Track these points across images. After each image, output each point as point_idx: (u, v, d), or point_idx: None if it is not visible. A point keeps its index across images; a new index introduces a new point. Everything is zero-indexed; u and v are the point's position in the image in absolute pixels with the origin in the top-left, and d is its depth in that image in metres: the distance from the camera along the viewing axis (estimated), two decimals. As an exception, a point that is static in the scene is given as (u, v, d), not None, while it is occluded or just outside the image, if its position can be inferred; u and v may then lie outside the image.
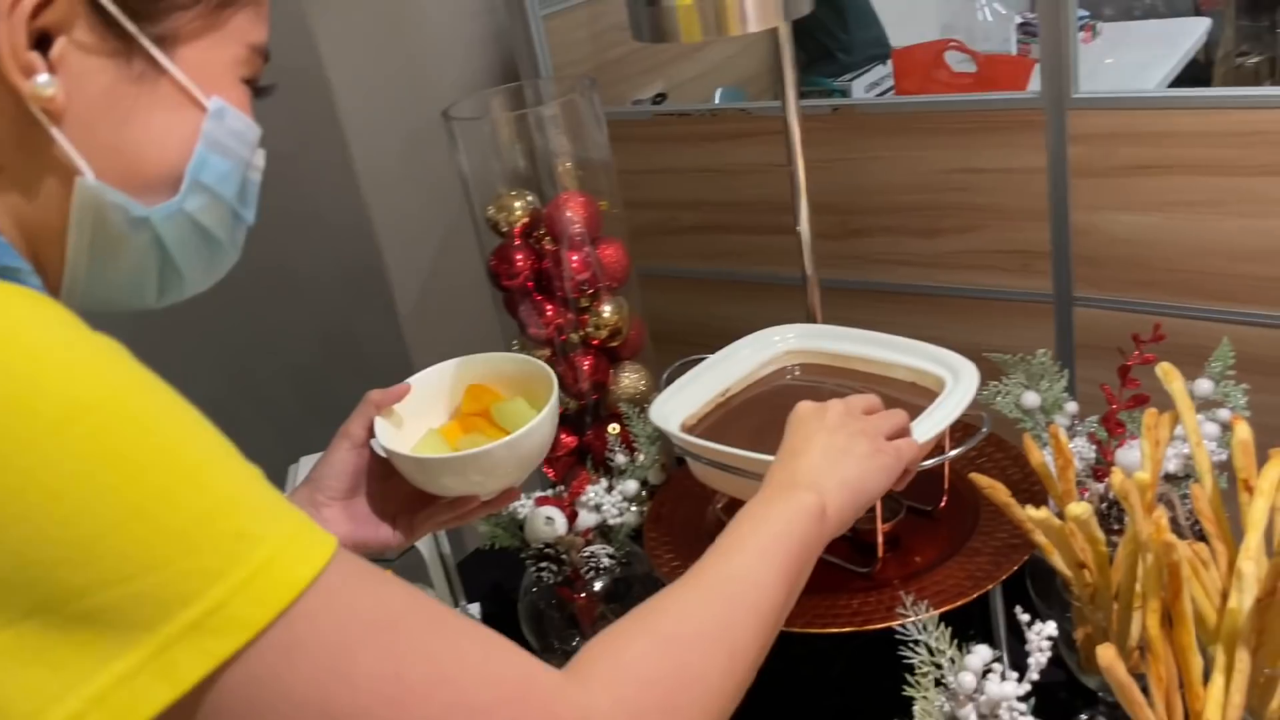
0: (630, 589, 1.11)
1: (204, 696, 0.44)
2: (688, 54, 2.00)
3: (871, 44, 2.25)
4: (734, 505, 1.07)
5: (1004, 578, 0.91)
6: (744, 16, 1.03)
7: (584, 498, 1.08)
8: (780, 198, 1.22)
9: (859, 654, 1.02)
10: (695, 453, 0.97)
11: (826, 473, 0.74)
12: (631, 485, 1.11)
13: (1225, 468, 0.89)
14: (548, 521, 1.06)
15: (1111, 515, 0.94)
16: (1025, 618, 0.78)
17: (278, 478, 1.15)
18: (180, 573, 0.44)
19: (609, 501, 1.09)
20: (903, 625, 0.79)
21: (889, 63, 2.16)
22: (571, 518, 1.07)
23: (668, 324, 1.62)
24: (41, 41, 0.50)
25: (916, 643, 0.78)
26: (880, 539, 0.97)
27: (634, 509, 1.11)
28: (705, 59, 2.04)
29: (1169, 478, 0.94)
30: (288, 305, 1.72)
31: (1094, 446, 1.00)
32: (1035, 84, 1.39)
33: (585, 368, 1.26)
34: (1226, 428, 0.96)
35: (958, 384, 0.96)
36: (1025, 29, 2.24)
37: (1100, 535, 0.80)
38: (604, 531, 1.10)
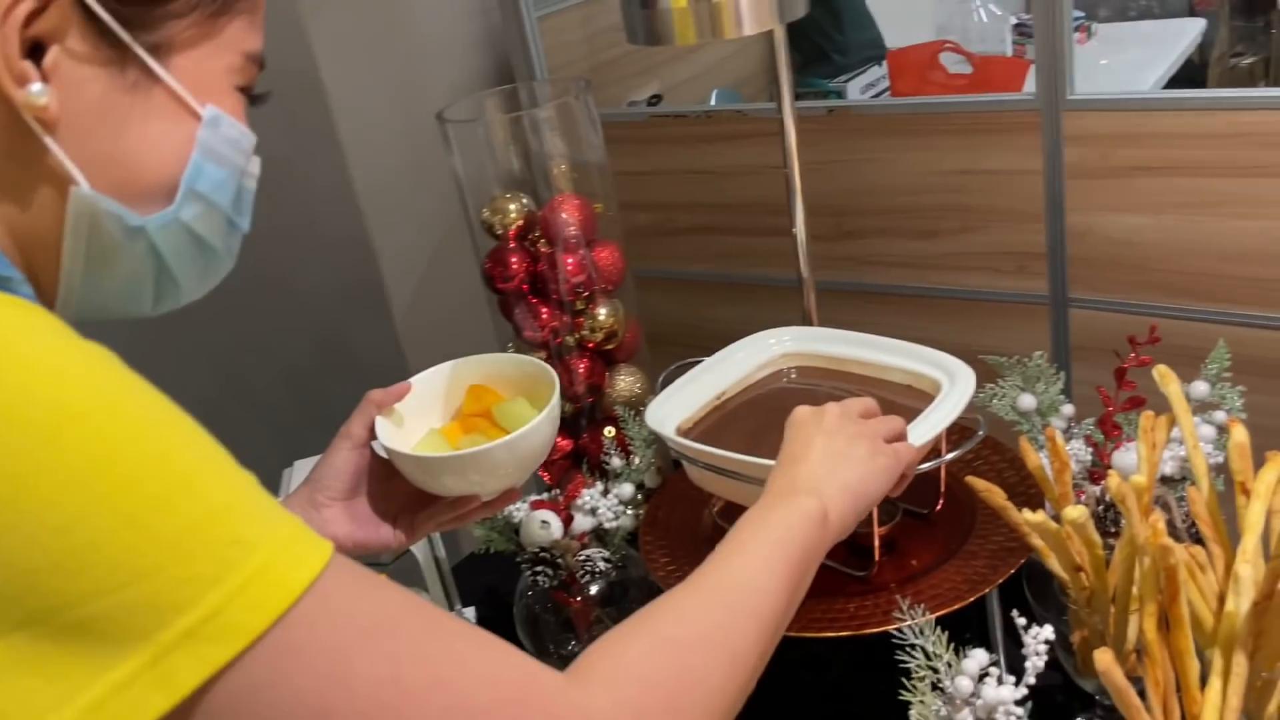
0: (626, 593, 1.11)
1: (201, 704, 0.44)
2: (683, 55, 2.00)
3: (867, 45, 2.24)
4: (730, 509, 1.07)
5: (1001, 581, 0.91)
6: (739, 19, 1.02)
7: (579, 501, 1.08)
8: (776, 199, 1.22)
9: (855, 658, 1.02)
10: (691, 456, 0.97)
11: (827, 478, 0.74)
12: (627, 489, 1.11)
13: (1222, 470, 0.89)
14: (543, 525, 1.05)
15: (1108, 518, 0.94)
16: (1022, 621, 0.77)
17: (272, 482, 1.14)
18: (175, 580, 0.43)
19: (605, 505, 1.09)
20: (899, 629, 0.79)
21: (884, 64, 2.15)
22: (567, 521, 1.07)
23: (663, 325, 1.62)
24: (34, 50, 0.50)
25: (913, 647, 0.77)
26: (877, 542, 0.97)
27: (630, 512, 1.11)
28: (700, 60, 2.03)
29: (1165, 480, 0.94)
30: (282, 308, 1.71)
31: (1090, 449, 1.00)
32: (1030, 85, 1.39)
33: (581, 371, 1.26)
34: (1223, 430, 0.96)
35: (954, 387, 0.96)
36: (1020, 30, 2.24)
37: (1097, 539, 0.80)
38: (600, 535, 1.10)
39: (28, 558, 0.41)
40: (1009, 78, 2.00)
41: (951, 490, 1.03)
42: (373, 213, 1.66)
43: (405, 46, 1.69)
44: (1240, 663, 0.69)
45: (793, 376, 1.10)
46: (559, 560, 1.07)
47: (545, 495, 1.10)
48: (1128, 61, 2.22)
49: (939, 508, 1.03)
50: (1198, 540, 0.79)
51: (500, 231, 1.25)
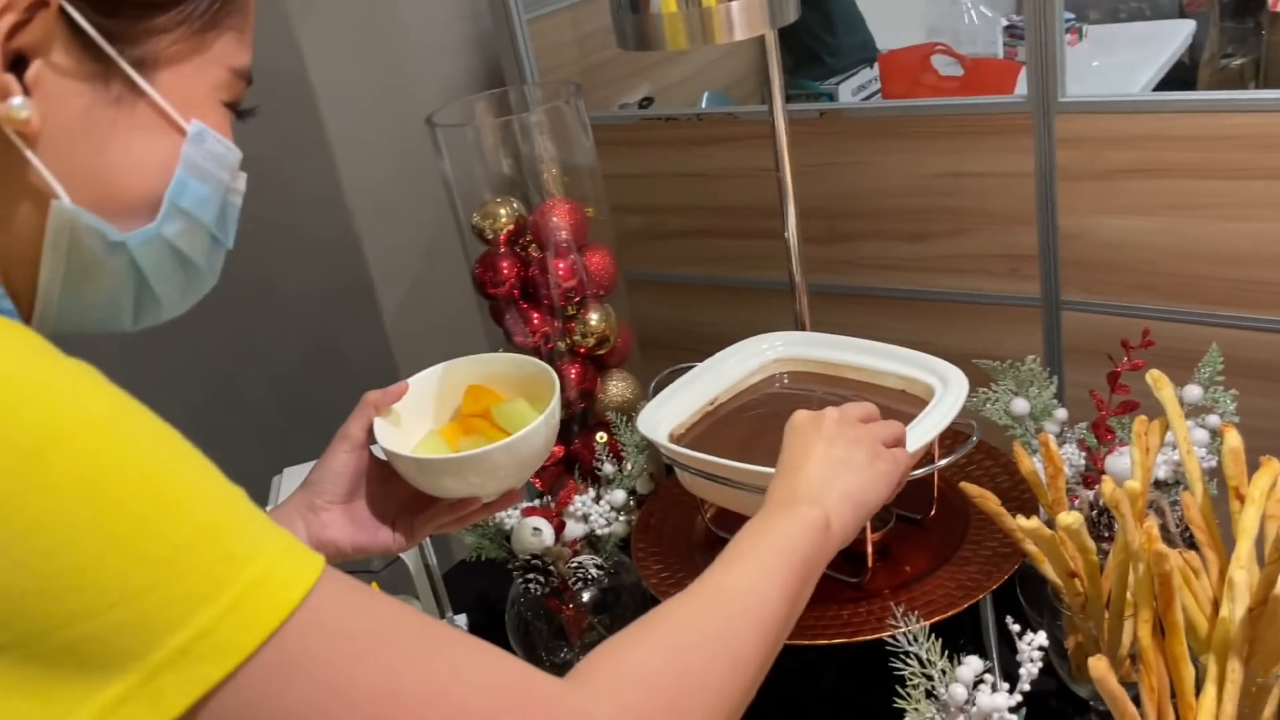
0: (618, 599, 1.10)
1: None
2: (674, 58, 2.00)
3: (858, 47, 2.24)
4: (723, 515, 1.07)
5: (994, 587, 0.91)
6: (730, 25, 1.02)
7: (571, 508, 1.08)
8: (768, 202, 1.22)
9: (849, 665, 1.02)
10: (684, 463, 0.96)
11: (827, 486, 0.74)
12: (619, 495, 1.11)
13: (1215, 474, 0.89)
14: (535, 532, 1.05)
15: (1102, 523, 0.94)
16: (1016, 628, 0.77)
17: (262, 489, 1.14)
18: (165, 599, 0.43)
19: (597, 511, 1.08)
20: (893, 636, 0.78)
21: (875, 66, 2.15)
22: (559, 528, 1.06)
23: (655, 329, 1.61)
24: (17, 63, 0.49)
25: (907, 654, 0.77)
26: (870, 549, 0.97)
27: (622, 519, 1.10)
28: (691, 63, 2.03)
29: (1159, 485, 0.94)
30: (271, 314, 1.70)
31: (1084, 453, 1.00)
32: (1022, 87, 1.39)
33: (572, 376, 1.25)
34: (1216, 434, 0.95)
35: (947, 392, 0.95)
36: (1011, 31, 2.24)
37: (1091, 545, 0.80)
38: (592, 542, 1.09)
39: (15, 580, 0.41)
40: (1000, 80, 2.00)
41: (945, 496, 1.02)
42: (362, 217, 1.66)
43: (395, 49, 1.69)
44: (1235, 668, 0.69)
45: (785, 382, 1.09)
46: (551, 567, 1.06)
47: (537, 502, 1.10)
48: (1118, 63, 2.22)
49: (932, 513, 1.02)
50: (1192, 545, 0.79)
51: (491, 236, 1.25)
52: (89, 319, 0.57)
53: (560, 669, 0.55)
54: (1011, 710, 0.75)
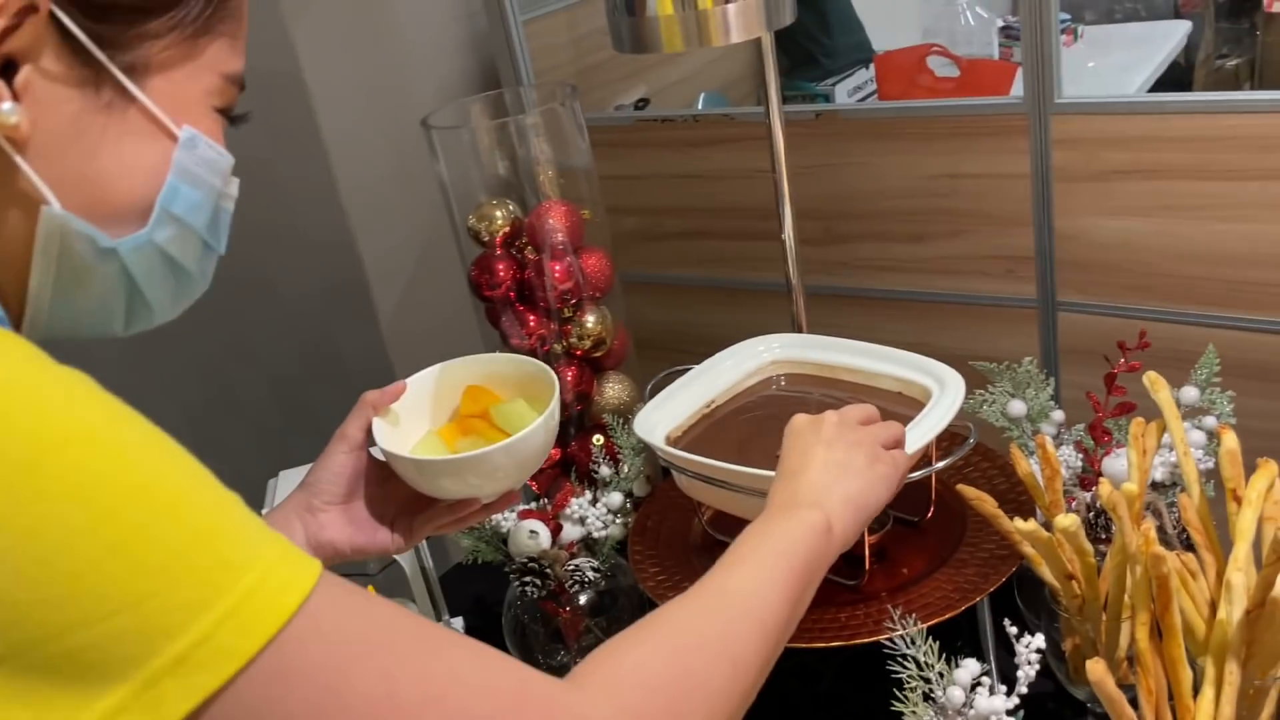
0: (615, 602, 1.10)
1: None
2: (670, 59, 1.99)
3: (854, 48, 2.24)
4: (720, 518, 1.07)
5: (992, 589, 0.91)
6: (726, 27, 1.02)
7: (568, 510, 1.07)
8: (764, 203, 1.22)
9: (846, 668, 1.02)
10: (681, 465, 0.96)
11: (828, 489, 0.74)
12: (616, 498, 1.10)
13: (1212, 475, 0.89)
14: (531, 535, 1.05)
15: (1099, 524, 0.94)
16: (1014, 630, 0.77)
17: (258, 492, 1.13)
18: (162, 607, 0.43)
19: (593, 514, 1.08)
20: (890, 639, 0.78)
21: (871, 67, 2.15)
22: (555, 531, 1.06)
23: (651, 330, 1.61)
24: (6, 68, 0.49)
25: (905, 657, 0.77)
26: (867, 551, 0.97)
27: (619, 521, 1.10)
28: (687, 64, 2.03)
29: (1156, 486, 0.94)
30: (267, 316, 1.70)
31: (1081, 455, 1.00)
32: (1018, 88, 1.39)
33: (569, 379, 1.25)
34: (1213, 435, 0.95)
35: (944, 394, 0.95)
36: (1007, 32, 2.24)
37: (1088, 547, 0.80)
38: (588, 544, 1.09)
39: (11, 590, 0.41)
40: (996, 81, 2.00)
41: (942, 498, 1.02)
42: (358, 218, 1.65)
43: (390, 50, 1.68)
44: (1233, 671, 0.69)
45: (782, 384, 1.09)
46: (547, 570, 1.06)
47: (533, 504, 1.09)
48: (1114, 64, 2.22)
49: (930, 516, 1.02)
50: (1189, 547, 0.79)
51: (487, 238, 1.24)
52: (80, 324, 0.57)
53: (557, 672, 0.55)
54: (1009, 713, 0.75)
